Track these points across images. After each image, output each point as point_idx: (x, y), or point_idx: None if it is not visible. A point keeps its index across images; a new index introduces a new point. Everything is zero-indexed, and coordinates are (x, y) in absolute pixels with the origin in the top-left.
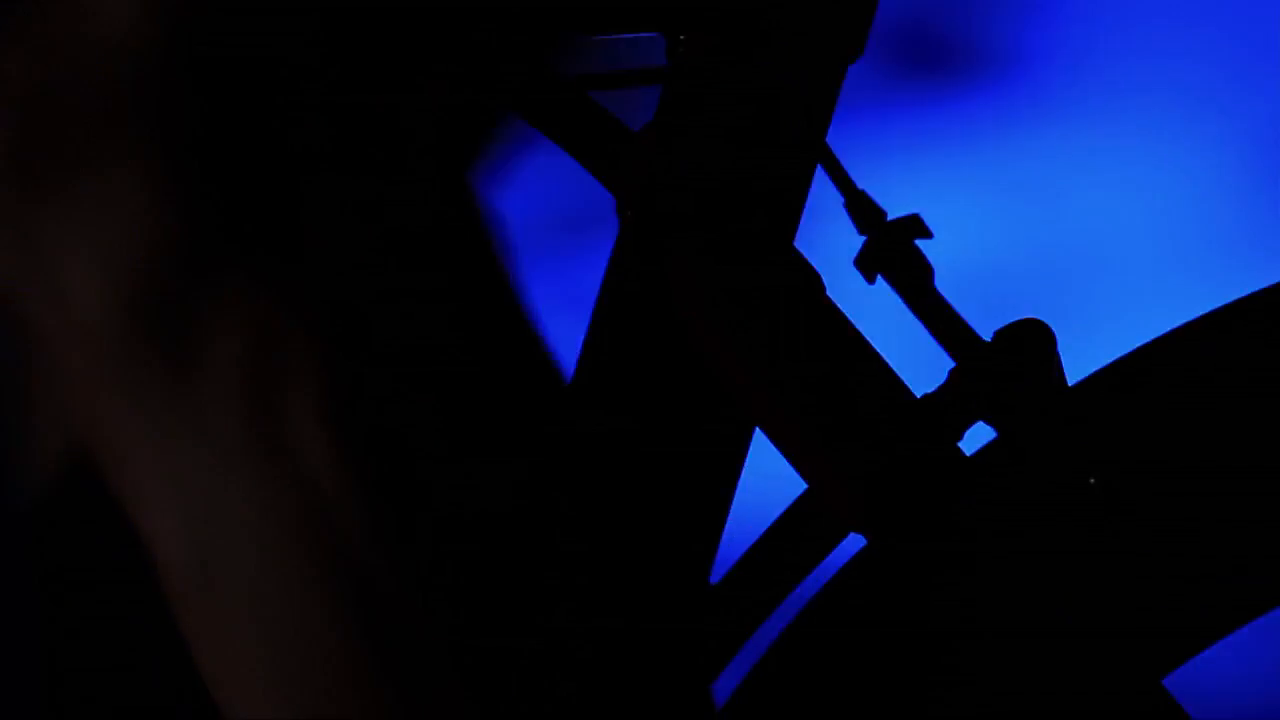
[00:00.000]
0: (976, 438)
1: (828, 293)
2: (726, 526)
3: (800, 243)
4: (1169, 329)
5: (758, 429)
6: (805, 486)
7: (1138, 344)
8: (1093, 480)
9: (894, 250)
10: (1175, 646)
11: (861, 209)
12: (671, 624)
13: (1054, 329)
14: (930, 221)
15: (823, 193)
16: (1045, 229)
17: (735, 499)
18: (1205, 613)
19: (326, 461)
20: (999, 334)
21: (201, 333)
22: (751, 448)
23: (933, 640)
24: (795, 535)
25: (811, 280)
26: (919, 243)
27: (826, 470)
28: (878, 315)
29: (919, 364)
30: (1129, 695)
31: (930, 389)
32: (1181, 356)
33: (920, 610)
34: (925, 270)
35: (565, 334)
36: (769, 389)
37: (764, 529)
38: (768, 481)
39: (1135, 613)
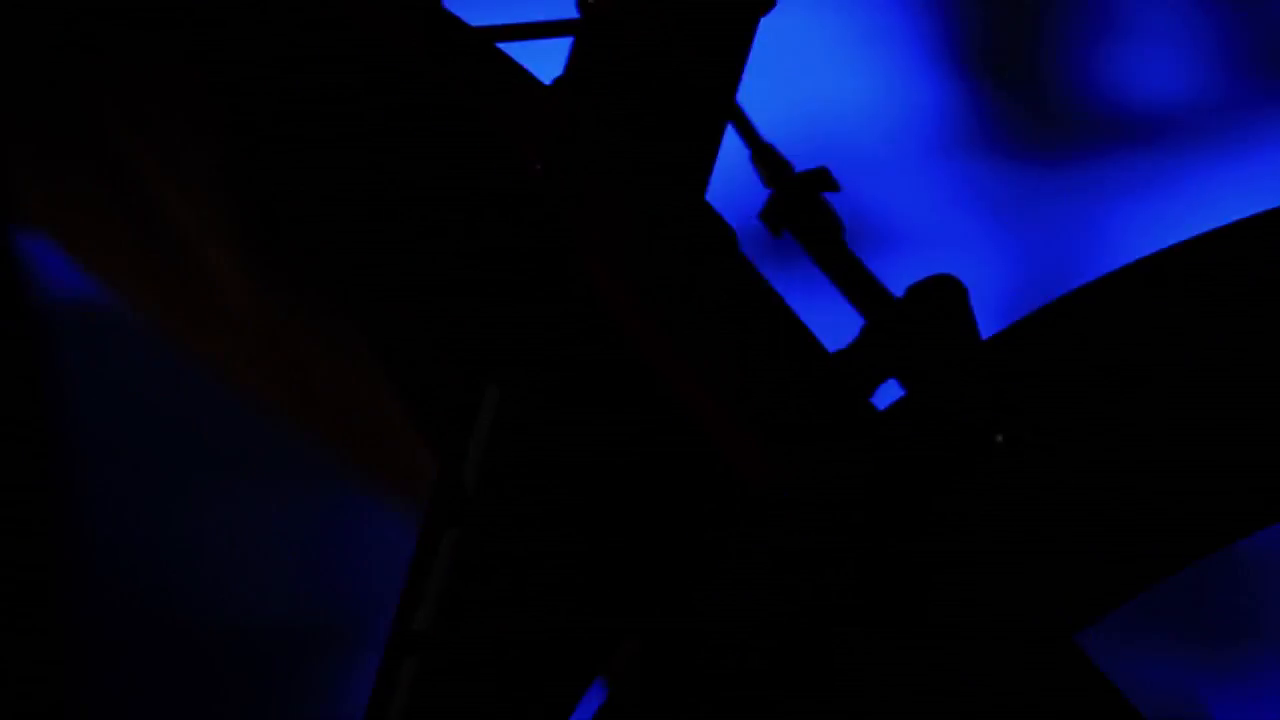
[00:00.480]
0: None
1: (740, 248)
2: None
3: (713, 198)
4: (1084, 283)
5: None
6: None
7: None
8: (1000, 438)
9: (801, 204)
10: (1084, 606)
11: (767, 162)
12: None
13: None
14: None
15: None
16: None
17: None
18: (1111, 571)
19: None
20: (910, 290)
21: None
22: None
23: (842, 595)
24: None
25: (722, 235)
26: (828, 196)
27: (735, 427)
28: (792, 271)
29: (832, 321)
30: (1037, 654)
31: (842, 345)
32: (1097, 311)
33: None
34: (833, 224)
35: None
36: (676, 344)
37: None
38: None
39: (1041, 569)
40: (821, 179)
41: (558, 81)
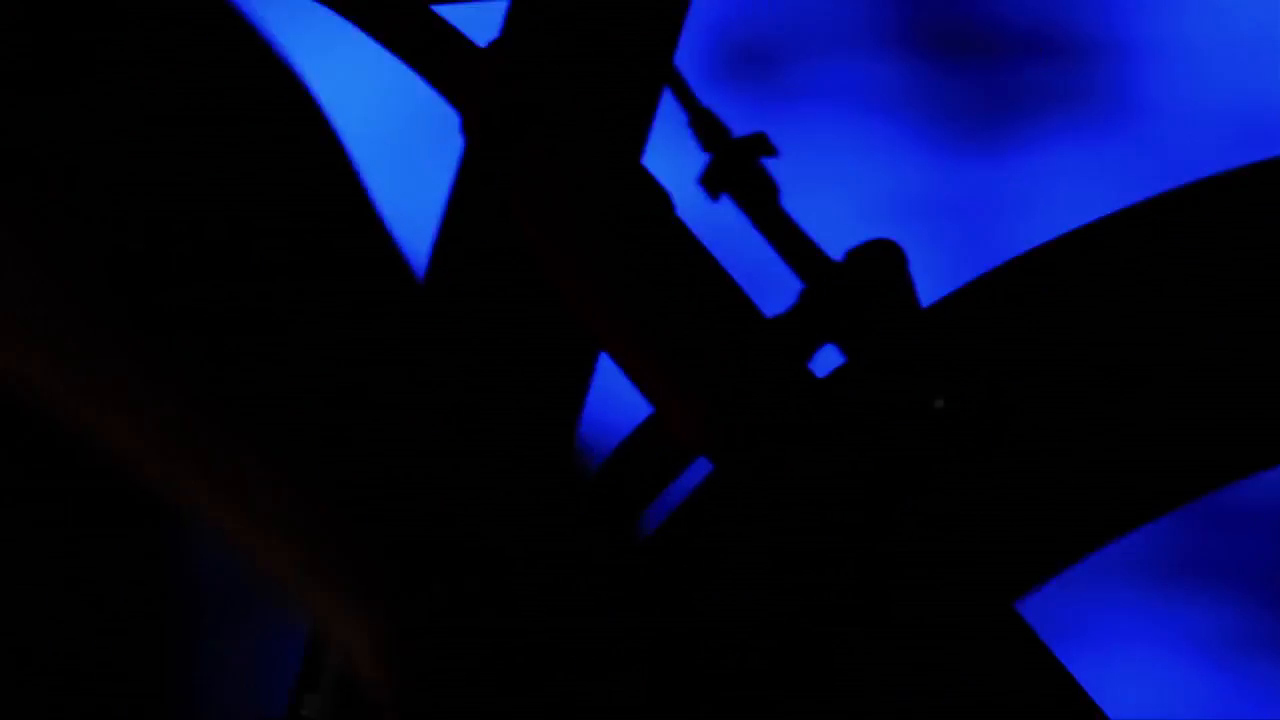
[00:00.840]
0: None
1: (676, 211)
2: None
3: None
4: (1027, 249)
5: (602, 351)
6: (650, 409)
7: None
8: (939, 403)
9: (738, 168)
10: (1027, 571)
11: (705, 126)
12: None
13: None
14: None
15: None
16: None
17: (580, 422)
18: (1054, 536)
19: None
20: (849, 254)
21: None
22: (597, 372)
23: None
24: (641, 460)
25: (659, 199)
26: (764, 160)
27: (672, 391)
28: (730, 235)
29: (771, 285)
30: (979, 618)
31: (780, 310)
32: (1041, 276)
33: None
34: (770, 188)
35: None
36: (614, 308)
37: (608, 453)
38: (613, 406)
39: (982, 531)
40: (759, 144)
41: (493, 44)
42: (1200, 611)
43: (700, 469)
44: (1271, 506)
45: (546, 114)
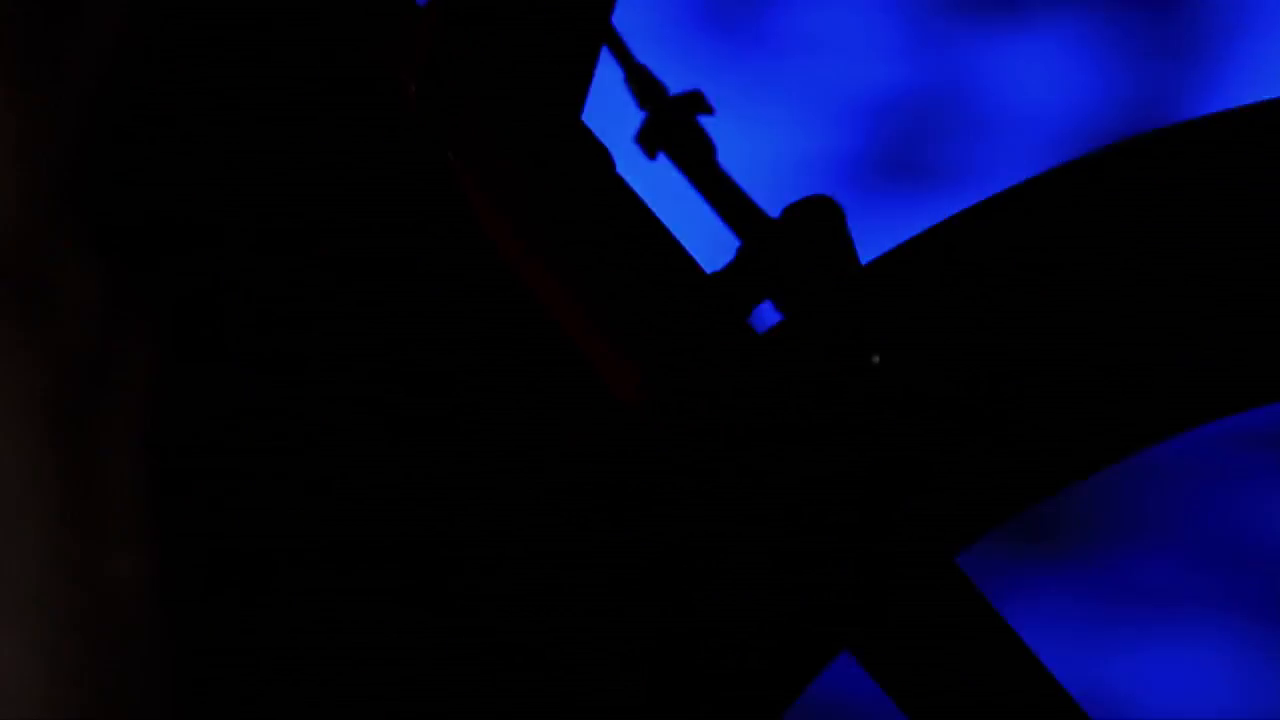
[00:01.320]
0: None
1: (615, 168)
2: None
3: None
4: (960, 209)
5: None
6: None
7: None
8: (876, 359)
9: (675, 126)
10: (964, 524)
11: (642, 84)
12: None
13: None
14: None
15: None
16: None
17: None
18: (988, 491)
19: (119, 482)
20: (786, 211)
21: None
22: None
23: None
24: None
25: (598, 156)
26: (701, 119)
27: (611, 349)
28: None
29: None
30: (917, 569)
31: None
32: (974, 235)
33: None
34: (707, 146)
35: None
36: (553, 266)
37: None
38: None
39: (922, 489)
40: (695, 102)
41: (432, 2)
42: (1115, 568)
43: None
44: (1179, 461)
45: (484, 72)
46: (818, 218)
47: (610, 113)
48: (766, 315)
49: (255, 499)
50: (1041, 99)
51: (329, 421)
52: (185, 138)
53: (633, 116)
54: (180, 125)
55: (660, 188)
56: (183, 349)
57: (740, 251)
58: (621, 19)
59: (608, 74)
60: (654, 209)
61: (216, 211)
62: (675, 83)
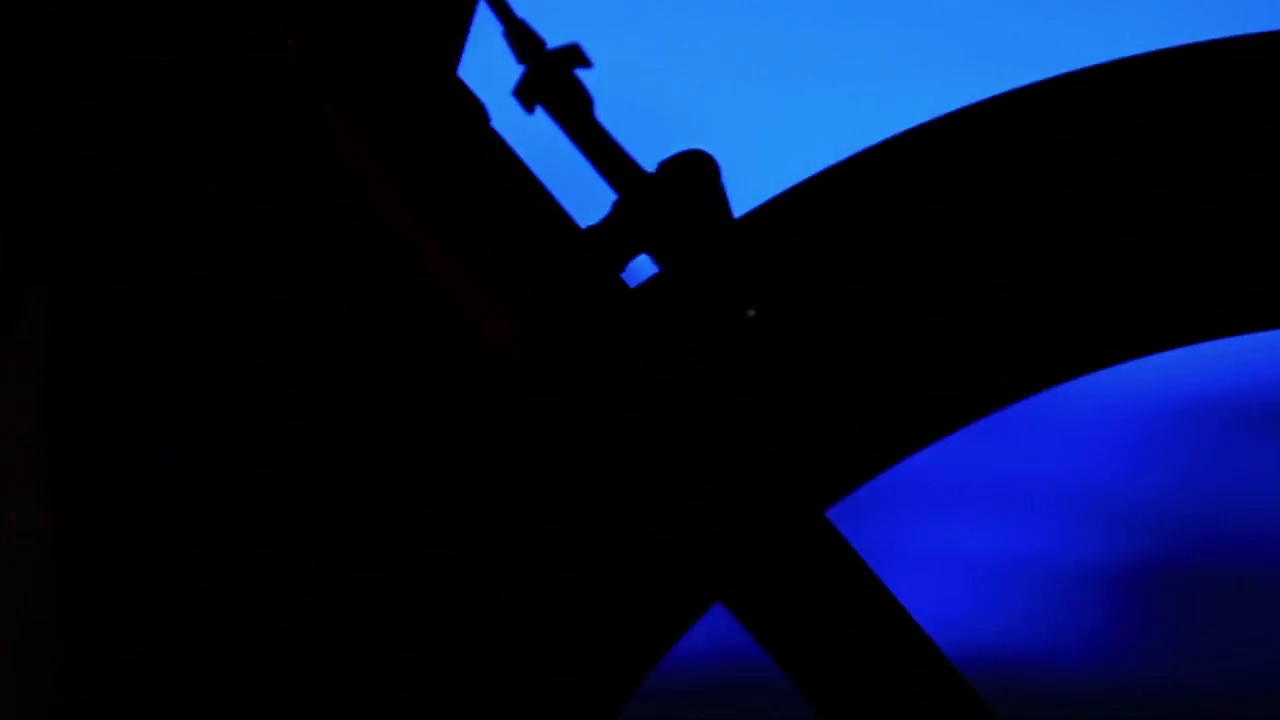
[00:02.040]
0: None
1: (490, 122)
2: None
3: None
4: (833, 162)
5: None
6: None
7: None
8: (751, 313)
9: (552, 80)
10: (828, 483)
11: (520, 38)
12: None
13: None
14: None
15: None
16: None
17: None
18: (856, 445)
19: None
20: (662, 165)
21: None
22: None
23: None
24: None
25: (473, 110)
26: (579, 72)
27: (487, 301)
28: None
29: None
30: (788, 522)
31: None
32: (847, 188)
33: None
34: (584, 100)
35: None
36: (430, 219)
37: None
38: None
39: (786, 444)
40: (573, 55)
41: None
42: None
43: None
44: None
45: (362, 27)
46: (692, 172)
47: (488, 67)
48: (642, 269)
49: (150, 455)
50: None
51: (223, 386)
52: (85, 95)
53: (512, 71)
54: (79, 83)
55: (539, 142)
56: (81, 311)
57: (616, 205)
58: None
59: (487, 27)
60: (531, 164)
61: (116, 171)
62: (553, 36)
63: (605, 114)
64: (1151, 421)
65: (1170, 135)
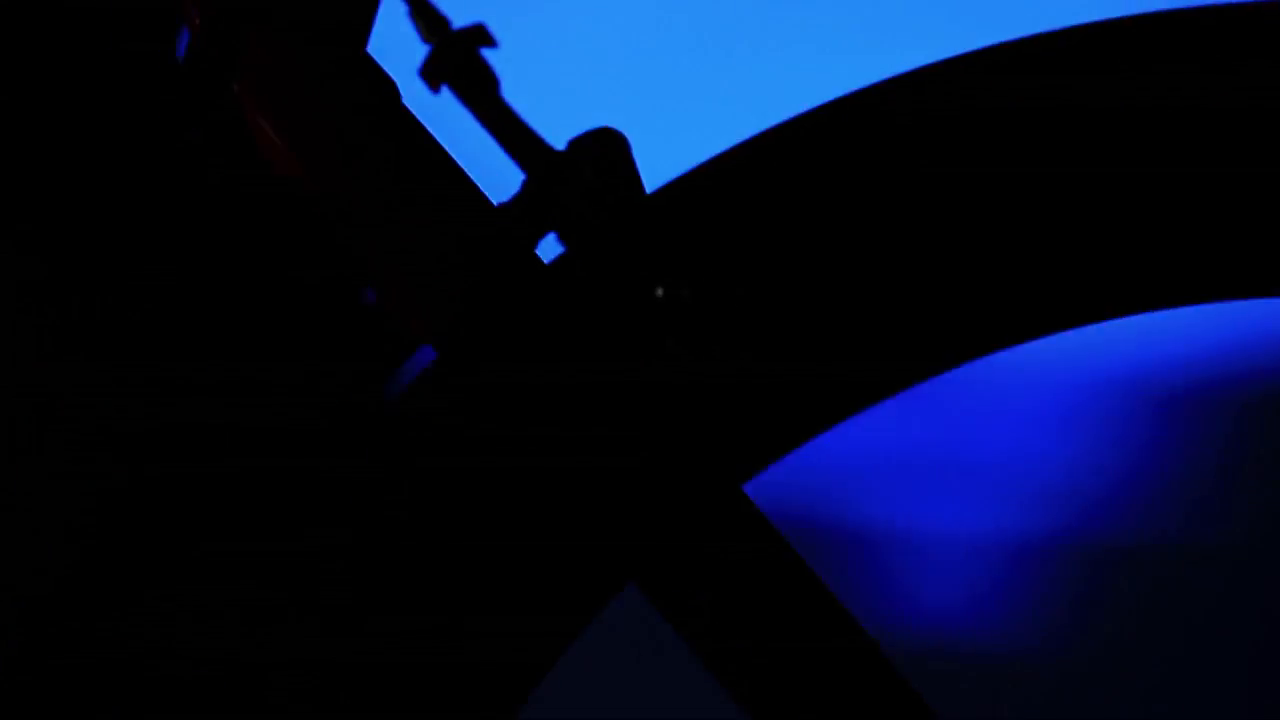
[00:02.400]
0: (550, 248)
1: (401, 101)
2: None
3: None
4: (744, 139)
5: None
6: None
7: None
8: (660, 290)
9: (458, 59)
10: (743, 458)
11: (425, 17)
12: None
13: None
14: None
15: None
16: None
17: None
18: (773, 420)
19: None
20: (571, 143)
21: None
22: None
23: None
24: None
25: (384, 88)
26: (485, 51)
27: (399, 280)
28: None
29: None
30: (704, 496)
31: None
32: (757, 166)
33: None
34: (490, 79)
35: None
36: (342, 198)
37: None
38: None
39: (698, 419)
40: (479, 35)
41: None
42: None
43: None
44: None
45: (268, 5)
46: (601, 150)
47: (398, 46)
48: (553, 246)
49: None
50: None
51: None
52: None
53: (419, 50)
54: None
55: (450, 122)
56: None
57: (525, 184)
58: None
59: (395, 7)
60: (442, 142)
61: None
62: (460, 16)
63: (512, 93)
64: (1066, 397)
65: (1059, 122)
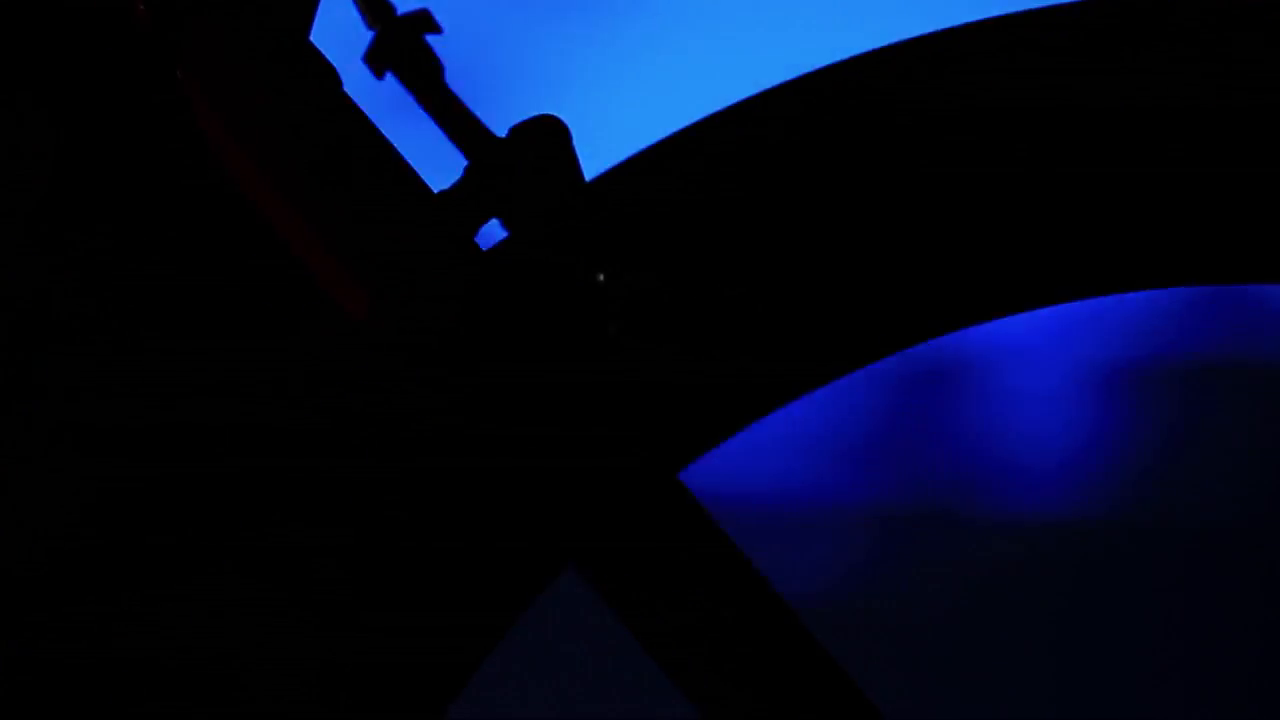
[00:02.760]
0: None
1: (343, 88)
2: None
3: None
4: (687, 124)
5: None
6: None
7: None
8: (601, 277)
9: (402, 45)
10: (685, 443)
11: (369, 3)
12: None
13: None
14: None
15: None
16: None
17: None
18: (709, 407)
19: None
20: (513, 130)
21: None
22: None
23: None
24: None
25: (325, 75)
26: (429, 38)
27: (340, 268)
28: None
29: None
30: (640, 483)
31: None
32: (698, 152)
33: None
34: (434, 66)
35: None
36: (282, 185)
37: None
38: None
39: (635, 407)
40: (423, 21)
41: None
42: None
43: None
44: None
45: None
46: (544, 137)
47: (340, 33)
48: (494, 233)
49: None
50: None
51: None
52: None
53: (364, 36)
54: None
55: (391, 109)
56: None
57: (467, 170)
58: None
59: None
60: (383, 130)
61: None
62: (403, 1)
63: (456, 79)
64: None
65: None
